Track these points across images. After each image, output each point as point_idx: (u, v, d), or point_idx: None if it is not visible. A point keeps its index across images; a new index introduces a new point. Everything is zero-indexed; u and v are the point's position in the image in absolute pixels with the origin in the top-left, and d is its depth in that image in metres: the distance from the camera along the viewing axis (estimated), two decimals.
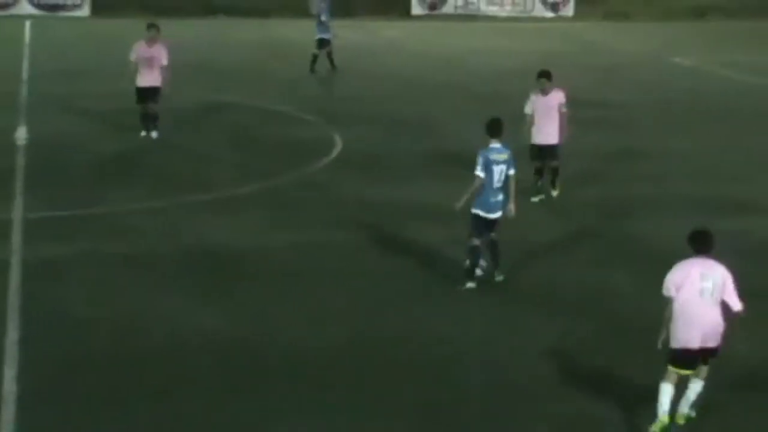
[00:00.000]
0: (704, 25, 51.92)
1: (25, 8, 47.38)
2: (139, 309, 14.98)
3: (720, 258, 11.93)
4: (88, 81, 31.67)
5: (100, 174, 21.97)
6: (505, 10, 53.02)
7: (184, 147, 24.43)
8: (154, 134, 24.53)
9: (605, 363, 13.67)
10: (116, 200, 19.99)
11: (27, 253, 16.98)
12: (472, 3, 52.66)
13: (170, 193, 20.60)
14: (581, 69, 36.84)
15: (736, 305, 11.89)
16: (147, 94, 24.31)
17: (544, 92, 20.16)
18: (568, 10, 53.65)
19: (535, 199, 20.12)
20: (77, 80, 31.98)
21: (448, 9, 52.37)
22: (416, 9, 52.14)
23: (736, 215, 19.74)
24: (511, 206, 16.18)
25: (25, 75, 32.44)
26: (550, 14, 53.35)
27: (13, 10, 46.99)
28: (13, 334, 13.89)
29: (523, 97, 20.62)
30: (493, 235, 16.10)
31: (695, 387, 12.00)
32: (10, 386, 12.47)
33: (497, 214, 15.99)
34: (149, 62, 24.21)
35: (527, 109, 20.16)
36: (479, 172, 15.78)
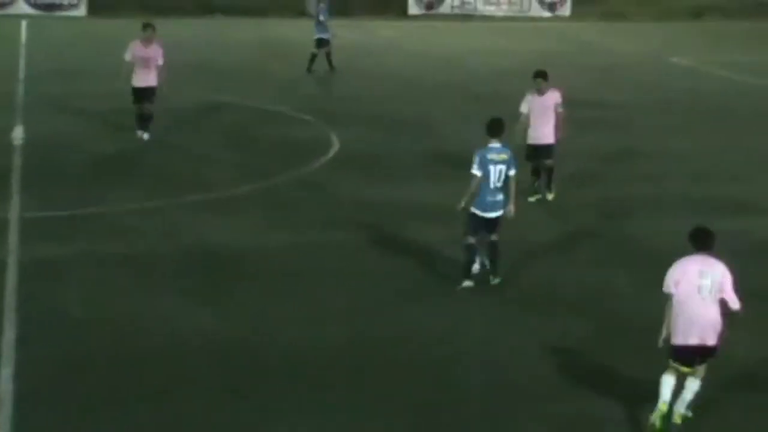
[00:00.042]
0: (702, 25, 51.94)
1: (22, 8, 47.28)
2: (137, 309, 14.93)
3: (719, 258, 11.94)
4: (84, 81, 31.60)
5: (98, 174, 21.91)
6: (502, 10, 53.00)
7: (182, 147, 24.38)
8: (145, 135, 24.34)
9: (605, 363, 13.64)
10: (114, 200, 19.93)
11: (23, 253, 16.91)
12: (469, 3, 52.64)
13: (168, 192, 20.54)
14: (579, 69, 36.85)
15: (735, 304, 11.91)
16: (143, 95, 24.17)
17: (540, 92, 20.11)
18: (565, 10, 53.63)
19: (532, 199, 20.08)
20: (74, 80, 31.92)
21: (444, 9, 52.35)
22: (413, 9, 52.12)
23: (735, 215, 19.72)
24: (511, 207, 16.14)
25: (21, 75, 32.36)
26: (547, 14, 53.34)
27: (10, 10, 46.89)
28: (9, 334, 13.83)
29: (521, 97, 20.56)
30: (493, 236, 16.05)
31: (692, 386, 11.99)
32: (7, 386, 12.42)
33: (494, 214, 15.92)
34: (145, 62, 24.03)
35: (523, 108, 20.08)
36: (475, 171, 15.77)
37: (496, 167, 15.75)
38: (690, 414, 12.07)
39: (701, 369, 12.00)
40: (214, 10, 49.11)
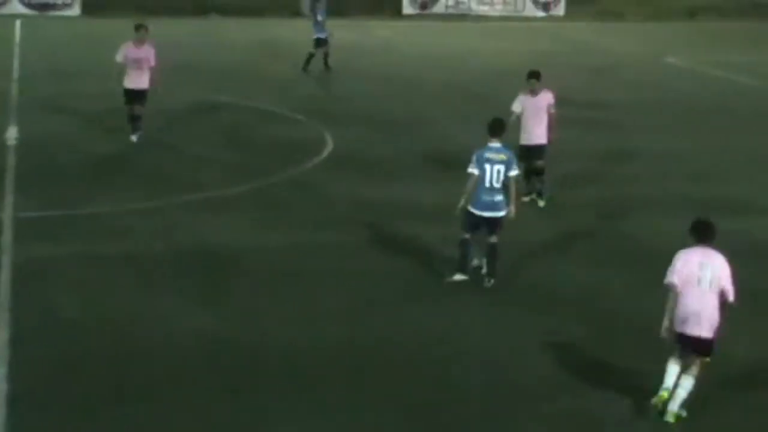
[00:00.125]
0: (697, 25, 51.93)
1: (16, 7, 47.20)
2: (133, 309, 14.86)
3: (719, 250, 12.06)
4: (79, 81, 31.51)
5: (92, 174, 21.84)
6: (496, 10, 52.99)
7: (177, 147, 24.31)
8: (134, 137, 24.15)
9: (605, 362, 13.61)
10: (108, 200, 19.87)
11: (18, 253, 16.84)
12: (463, 2, 52.64)
13: (163, 192, 20.48)
14: (574, 69, 36.85)
15: (731, 296, 12.03)
16: (134, 96, 23.94)
17: (534, 93, 20.02)
18: (559, 10, 53.63)
19: (526, 199, 19.99)
20: (68, 80, 31.84)
21: (438, 8, 52.34)
22: (407, 8, 52.10)
23: (732, 215, 19.62)
24: (512, 208, 16.13)
25: (15, 75, 32.27)
26: (541, 14, 53.33)
27: (4, 10, 46.80)
28: (3, 334, 13.76)
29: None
30: (492, 238, 16.03)
31: (686, 384, 12.03)
32: (2, 386, 12.35)
33: (490, 214, 15.88)
34: (138, 64, 23.73)
35: (515, 108, 19.94)
36: (472, 170, 15.80)
37: (493, 167, 15.74)
38: (684, 413, 12.05)
39: (695, 367, 12.04)
40: (209, 10, 49.03)
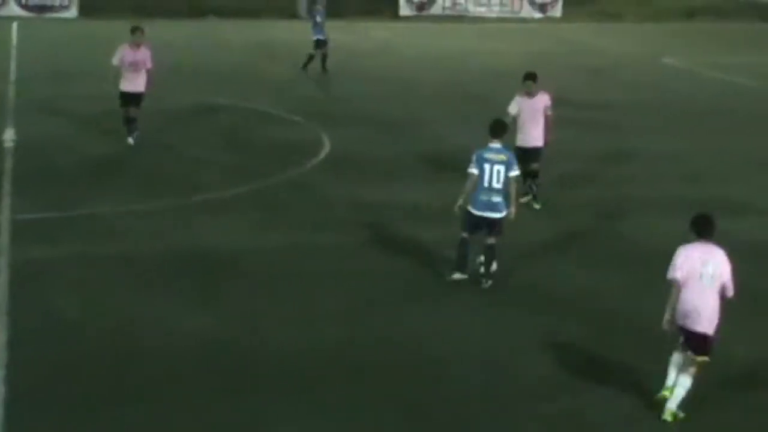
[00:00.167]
0: (694, 26, 51.96)
1: (13, 9, 47.19)
2: (130, 311, 14.83)
3: (719, 245, 12.12)
4: (76, 83, 31.49)
5: (90, 176, 21.80)
6: (493, 11, 53.05)
7: (174, 148, 24.27)
8: (131, 140, 24.10)
9: (604, 363, 13.60)
10: (106, 202, 19.83)
11: (15, 255, 16.81)
12: (460, 4, 52.68)
13: (160, 194, 20.45)
14: (571, 70, 36.87)
15: (730, 291, 12.08)
16: (130, 99, 23.86)
17: (530, 95, 19.90)
18: (556, 11, 53.69)
19: (523, 200, 19.96)
20: (65, 82, 31.81)
21: (435, 10, 52.37)
22: (404, 10, 52.13)
23: (730, 216, 19.56)
24: (512, 209, 16.15)
25: (12, 77, 32.20)
26: (538, 15, 53.38)
27: (1, 12, 46.79)
28: (1, 336, 13.71)
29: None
30: (490, 239, 16.03)
31: (685, 383, 12.05)
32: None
33: (488, 214, 15.87)
34: (134, 66, 23.65)
35: (511, 109, 19.83)
36: (471, 169, 15.83)
37: (493, 167, 15.75)
38: (682, 414, 12.05)
39: (694, 367, 12.05)
40: (206, 11, 49.03)
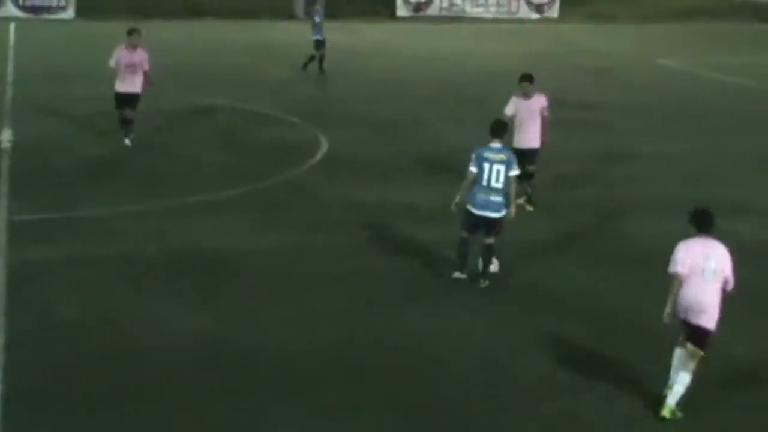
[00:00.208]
0: (690, 27, 51.97)
1: (10, 10, 47.17)
2: (128, 312, 14.79)
3: (719, 239, 12.21)
4: (73, 83, 31.44)
5: (87, 177, 21.77)
6: (490, 12, 53.09)
7: (172, 149, 24.25)
8: (128, 141, 24.05)
9: (604, 363, 13.58)
10: (103, 203, 19.80)
11: (12, 256, 16.76)
12: (457, 4, 52.69)
13: (158, 195, 20.42)
14: (568, 71, 36.90)
15: (730, 285, 12.16)
16: (126, 100, 23.80)
17: (527, 96, 19.80)
18: (553, 12, 53.75)
19: (520, 201, 19.92)
20: (62, 83, 31.77)
21: (432, 11, 52.38)
22: (401, 11, 52.13)
23: (727, 217, 19.47)
24: (512, 209, 16.19)
25: (10, 77, 32.17)
26: (535, 16, 53.43)
27: None
28: None
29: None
30: (488, 240, 16.03)
31: (683, 379, 12.07)
32: None
33: (487, 213, 15.87)
34: (131, 68, 23.60)
35: (507, 111, 19.72)
36: (470, 168, 15.87)
37: (492, 166, 15.76)
38: (680, 414, 12.05)
39: (692, 362, 12.07)
40: (203, 12, 49.00)
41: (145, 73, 23.74)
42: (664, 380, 12.34)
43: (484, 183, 15.78)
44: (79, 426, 11.74)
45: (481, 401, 12.49)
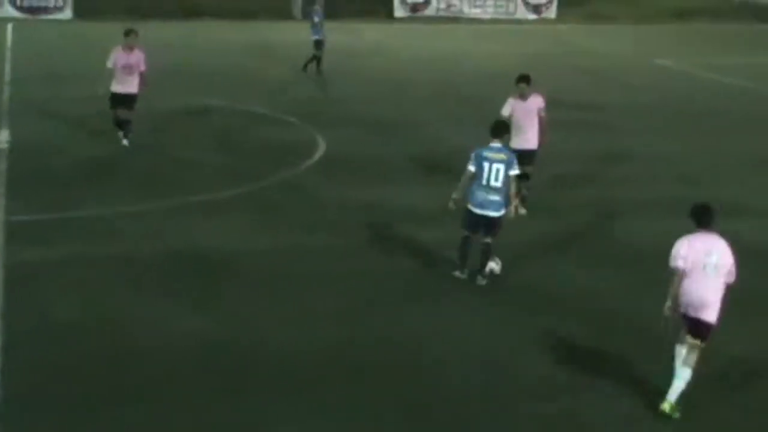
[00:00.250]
0: (688, 28, 51.98)
1: (8, 11, 47.11)
2: (125, 313, 14.76)
3: (719, 234, 12.30)
4: (71, 84, 31.37)
5: (84, 177, 21.73)
6: (488, 12, 53.08)
7: (169, 150, 24.22)
8: (125, 141, 24.00)
9: (604, 363, 13.58)
10: (101, 203, 19.76)
11: (9, 257, 16.73)
12: (454, 5, 52.66)
13: (155, 195, 20.39)
14: (566, 71, 36.91)
15: (733, 277, 12.24)
16: (123, 101, 23.76)
17: (524, 97, 19.66)
18: (551, 12, 53.75)
19: (515, 202, 19.84)
20: (60, 83, 31.72)
21: (430, 11, 52.37)
22: (399, 11, 52.12)
23: (724, 217, 19.45)
24: (511, 208, 16.24)
25: (7, 78, 32.12)
26: (532, 16, 53.42)
27: None
28: None
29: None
30: (487, 239, 16.05)
31: (684, 374, 12.09)
32: None
33: (487, 212, 15.90)
34: (128, 69, 23.56)
35: (504, 112, 19.59)
36: (468, 166, 15.90)
37: (492, 165, 15.79)
38: (678, 414, 12.04)
39: (693, 357, 12.09)
40: (201, 13, 48.96)
41: (142, 74, 23.71)
42: (664, 380, 12.31)
43: (484, 182, 15.81)
44: (78, 426, 11.71)
45: (481, 401, 12.48)
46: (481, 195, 15.86)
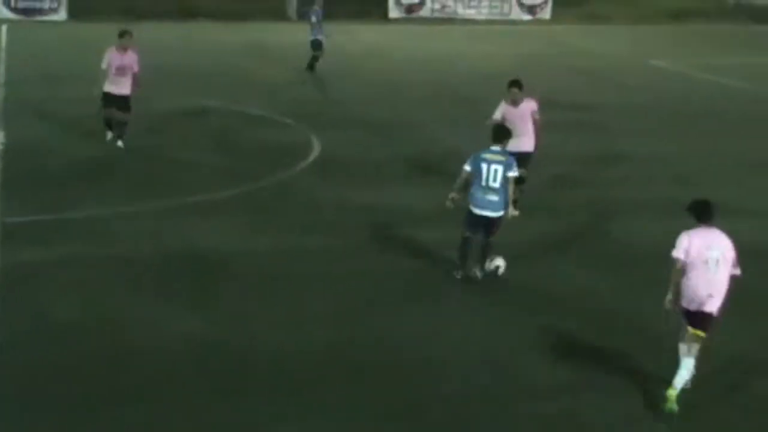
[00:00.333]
0: (684, 28, 51.99)
1: (2, 12, 46.96)
2: (122, 313, 14.72)
3: (720, 229, 12.38)
4: (65, 85, 31.32)
5: (80, 179, 21.67)
6: (483, 13, 53.02)
7: (165, 151, 24.18)
8: (120, 143, 23.95)
9: (604, 363, 13.56)
10: (97, 204, 19.71)
11: (5, 258, 16.67)
12: (449, 6, 52.63)
13: (151, 197, 20.35)
14: (561, 72, 36.90)
15: (736, 270, 12.36)
16: (116, 101, 23.72)
17: (515, 103, 19.40)
18: (545, 13, 53.69)
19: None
20: (55, 84, 31.66)
21: (425, 12, 52.32)
22: (393, 12, 52.08)
23: (722, 218, 19.47)
24: (510, 208, 16.28)
25: (2, 79, 32.08)
26: (527, 17, 53.38)
27: None
28: None
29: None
30: (486, 239, 16.11)
31: (687, 364, 12.13)
32: None
33: (487, 213, 15.93)
34: (122, 70, 23.54)
35: (496, 115, 19.41)
36: (465, 166, 15.98)
37: (490, 166, 15.84)
38: (676, 409, 12.05)
39: (695, 347, 12.13)
40: (196, 14, 48.90)
41: (134, 75, 23.70)
42: (663, 380, 12.31)
43: (483, 183, 15.85)
44: (77, 426, 11.68)
45: (481, 401, 12.46)
46: (479, 195, 15.92)
